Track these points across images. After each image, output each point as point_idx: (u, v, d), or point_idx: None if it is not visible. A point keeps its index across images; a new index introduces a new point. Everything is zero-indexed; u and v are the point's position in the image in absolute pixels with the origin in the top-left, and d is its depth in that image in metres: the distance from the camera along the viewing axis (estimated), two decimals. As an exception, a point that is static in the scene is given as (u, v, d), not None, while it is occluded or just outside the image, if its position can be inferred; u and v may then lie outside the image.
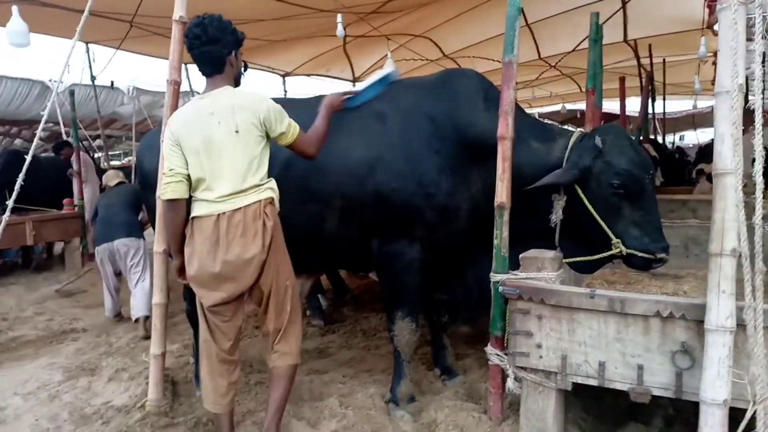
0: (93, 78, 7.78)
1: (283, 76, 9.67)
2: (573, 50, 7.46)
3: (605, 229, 2.69)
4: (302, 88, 10.20)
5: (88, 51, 7.35)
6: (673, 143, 14.04)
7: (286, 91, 9.68)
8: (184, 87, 7.90)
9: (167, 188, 2.42)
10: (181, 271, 2.58)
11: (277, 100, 2.53)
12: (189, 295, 3.45)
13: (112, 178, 5.22)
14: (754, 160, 1.86)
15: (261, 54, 7.95)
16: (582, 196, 2.71)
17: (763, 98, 1.80)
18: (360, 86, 2.80)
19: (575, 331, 2.31)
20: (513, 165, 2.56)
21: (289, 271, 2.53)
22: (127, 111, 10.19)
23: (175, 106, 2.90)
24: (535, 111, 15.06)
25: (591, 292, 2.25)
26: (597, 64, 3.96)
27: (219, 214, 2.37)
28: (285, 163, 2.88)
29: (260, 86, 10.50)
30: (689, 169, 7.61)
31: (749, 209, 1.84)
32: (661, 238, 2.71)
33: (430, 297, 3.30)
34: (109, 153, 13.85)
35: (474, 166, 2.88)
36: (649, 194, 2.74)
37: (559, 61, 8.72)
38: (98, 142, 11.50)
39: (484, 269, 2.67)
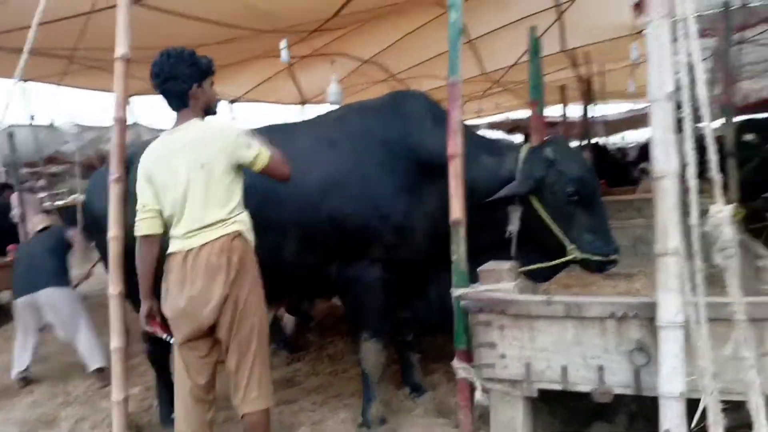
0: (32, 117, 7.55)
1: (231, 102, 9.60)
2: (515, 64, 7.70)
3: (561, 236, 2.80)
4: (251, 114, 10.17)
5: (25, 90, 7.14)
6: (616, 145, 14.56)
7: (234, 118, 9.61)
8: (130, 120, 7.81)
9: (141, 224, 2.41)
10: (149, 317, 2.52)
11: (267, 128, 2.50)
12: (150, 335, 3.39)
13: (37, 224, 4.86)
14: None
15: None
16: (537, 205, 2.83)
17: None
18: None
19: (536, 339, 2.36)
20: (468, 181, 2.62)
21: (256, 308, 2.43)
22: (69, 149, 9.90)
23: (122, 144, 2.85)
24: (482, 121, 15.42)
25: (548, 299, 2.32)
26: (537, 76, 4.11)
27: (187, 251, 2.35)
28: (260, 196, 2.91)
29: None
30: (632, 169, 7.94)
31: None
32: (611, 240, 2.85)
33: (394, 316, 3.33)
34: (54, 192, 13.40)
35: (428, 185, 2.94)
36: (598, 200, 2.88)
37: (503, 76, 8.97)
38: (42, 182, 11.12)
39: (446, 284, 2.70)
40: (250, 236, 2.46)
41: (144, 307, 2.51)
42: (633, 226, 4.11)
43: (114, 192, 2.81)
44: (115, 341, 2.87)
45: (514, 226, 2.87)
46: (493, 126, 15.53)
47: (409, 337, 3.46)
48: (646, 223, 4.02)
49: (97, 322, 4.34)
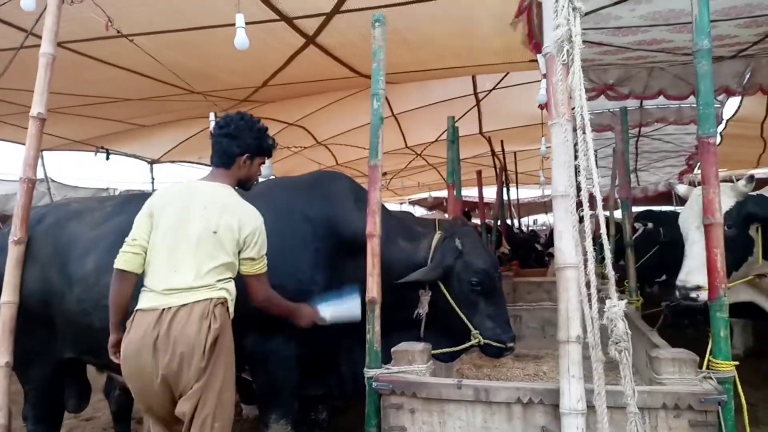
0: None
1: (151, 163, 9.36)
2: (435, 140, 8.08)
3: (465, 322, 2.94)
4: (171, 175, 9.91)
5: None
6: (528, 226, 15.31)
7: (153, 179, 9.34)
8: (39, 174, 7.40)
9: (122, 257, 2.28)
10: (114, 346, 2.35)
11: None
12: (32, 413, 3.12)
13: None
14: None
15: (128, 139, 7.69)
16: (445, 291, 2.97)
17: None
18: (327, 313, 2.75)
19: (446, 423, 2.36)
20: (384, 262, 2.68)
21: (223, 386, 2.25)
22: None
23: (28, 205, 2.72)
24: (405, 198, 15.90)
25: (458, 383, 2.34)
26: (455, 161, 4.33)
27: (163, 309, 2.19)
28: None
29: (126, 173, 10.06)
30: (541, 251, 8.33)
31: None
32: (509, 329, 3.04)
33: (305, 394, 3.22)
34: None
35: (348, 262, 2.98)
36: (498, 291, 3.09)
37: (424, 150, 9.38)
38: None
39: (360, 360, 2.69)
40: (232, 308, 2.37)
41: (112, 338, 2.37)
42: (541, 308, 4.26)
43: (13, 254, 2.63)
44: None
45: (422, 309, 2.99)
46: (414, 203, 16.05)
47: (321, 415, 3.35)
48: (554, 306, 4.19)
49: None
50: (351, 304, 2.78)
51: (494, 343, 2.93)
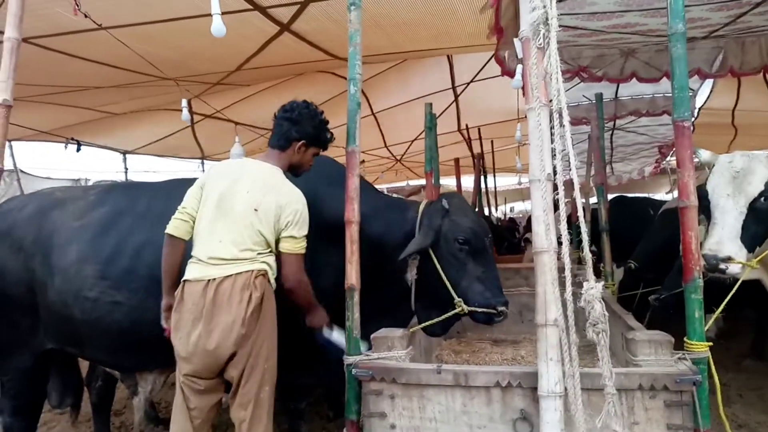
0: None
1: (124, 153, 9.17)
2: (415, 139, 8.07)
3: (449, 288, 2.82)
4: (145, 165, 9.76)
5: None
6: (505, 214, 15.42)
7: (127, 169, 9.16)
8: (8, 165, 7.21)
9: (171, 223, 2.43)
10: (167, 309, 2.48)
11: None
12: (9, 404, 3.09)
13: None
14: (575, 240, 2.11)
15: (100, 129, 7.51)
16: (432, 255, 2.85)
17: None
18: (335, 335, 2.74)
19: (425, 408, 2.36)
20: (374, 238, 2.67)
21: (269, 355, 2.42)
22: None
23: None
24: (382, 187, 15.85)
25: (437, 368, 2.34)
26: (433, 149, 4.30)
27: (209, 281, 2.32)
28: (134, 253, 2.77)
29: (98, 164, 9.87)
30: (519, 238, 8.40)
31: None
32: (500, 293, 2.91)
33: (288, 383, 3.20)
34: None
35: (330, 245, 2.91)
36: (488, 252, 2.97)
37: (405, 153, 9.37)
38: None
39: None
40: (273, 280, 2.48)
41: (164, 302, 2.49)
42: (519, 293, 4.29)
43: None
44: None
45: (411, 275, 2.89)
46: (392, 192, 16.02)
47: (301, 405, 3.34)
48: (531, 291, 4.22)
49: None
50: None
51: (481, 309, 2.81)
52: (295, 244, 2.48)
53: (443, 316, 2.85)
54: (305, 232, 2.51)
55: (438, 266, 2.84)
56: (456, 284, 2.83)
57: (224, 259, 2.38)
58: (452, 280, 2.83)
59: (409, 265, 2.90)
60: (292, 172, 2.66)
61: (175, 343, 2.41)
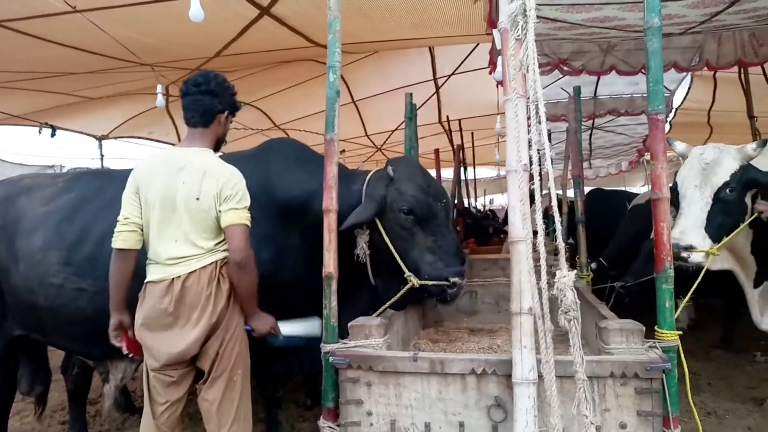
0: None
1: (99, 139, 9.00)
2: (396, 129, 8.07)
3: (399, 262, 2.67)
4: (120, 151, 9.60)
5: None
6: (485, 206, 15.51)
7: (102, 156, 9.00)
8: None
9: (118, 236, 2.33)
10: (118, 330, 2.43)
11: None
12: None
13: None
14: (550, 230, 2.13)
15: (74, 114, 7.36)
16: (380, 227, 2.71)
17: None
18: (285, 329, 2.67)
19: (402, 395, 2.38)
20: (320, 213, 2.47)
21: (243, 339, 2.43)
22: None
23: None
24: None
25: (413, 356, 2.36)
26: (413, 139, 4.31)
27: (173, 278, 2.28)
28: (99, 240, 2.73)
29: (73, 150, 9.68)
30: (497, 229, 8.47)
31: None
32: (454, 262, 2.73)
33: (262, 371, 3.19)
34: None
35: (296, 229, 2.88)
36: (441, 220, 2.77)
37: (385, 142, 9.35)
38: None
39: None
40: None
41: (113, 320, 2.42)
42: (496, 284, 4.33)
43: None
44: None
45: (361, 251, 2.72)
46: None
47: (278, 393, 3.33)
48: (508, 281, 4.26)
49: None
50: (311, 322, 2.74)
51: (431, 282, 2.66)
52: (238, 215, 2.35)
53: (397, 296, 2.72)
54: (247, 203, 2.40)
55: (386, 239, 2.68)
56: (405, 257, 2.68)
57: (184, 257, 2.32)
58: (401, 253, 2.68)
59: (358, 240, 2.74)
60: (217, 146, 2.55)
61: (141, 339, 2.37)
